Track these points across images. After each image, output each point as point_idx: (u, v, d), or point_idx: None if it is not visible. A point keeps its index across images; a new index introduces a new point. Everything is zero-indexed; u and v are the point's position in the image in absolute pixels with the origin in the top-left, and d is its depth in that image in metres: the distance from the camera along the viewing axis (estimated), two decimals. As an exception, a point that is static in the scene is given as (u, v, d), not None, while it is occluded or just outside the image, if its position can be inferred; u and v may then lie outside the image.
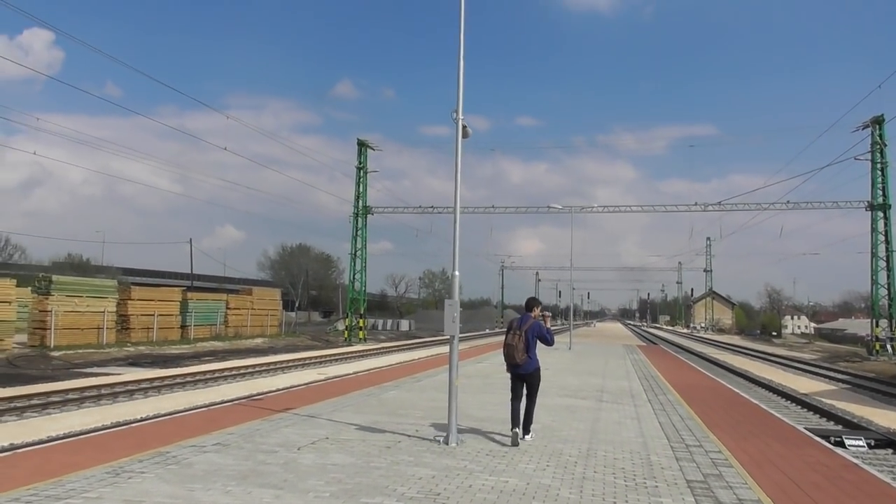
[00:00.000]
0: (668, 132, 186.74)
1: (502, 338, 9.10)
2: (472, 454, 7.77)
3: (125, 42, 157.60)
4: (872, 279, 38.48)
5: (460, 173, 8.68)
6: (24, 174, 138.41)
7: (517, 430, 8.50)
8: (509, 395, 8.73)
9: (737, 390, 17.19)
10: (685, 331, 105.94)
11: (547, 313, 9.03)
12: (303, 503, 5.60)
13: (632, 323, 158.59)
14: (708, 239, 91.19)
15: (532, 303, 8.80)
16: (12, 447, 9.76)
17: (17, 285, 29.75)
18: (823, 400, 19.13)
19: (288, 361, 27.29)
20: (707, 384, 18.19)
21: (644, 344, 47.51)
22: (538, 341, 8.60)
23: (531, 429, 8.83)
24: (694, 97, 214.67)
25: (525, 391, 8.71)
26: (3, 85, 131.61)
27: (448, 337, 8.60)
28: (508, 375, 8.76)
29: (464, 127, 8.73)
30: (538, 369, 8.76)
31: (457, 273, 8.45)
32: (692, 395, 14.52)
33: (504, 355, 8.71)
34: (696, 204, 41.75)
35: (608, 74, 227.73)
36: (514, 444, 8.37)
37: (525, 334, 8.49)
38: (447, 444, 8.18)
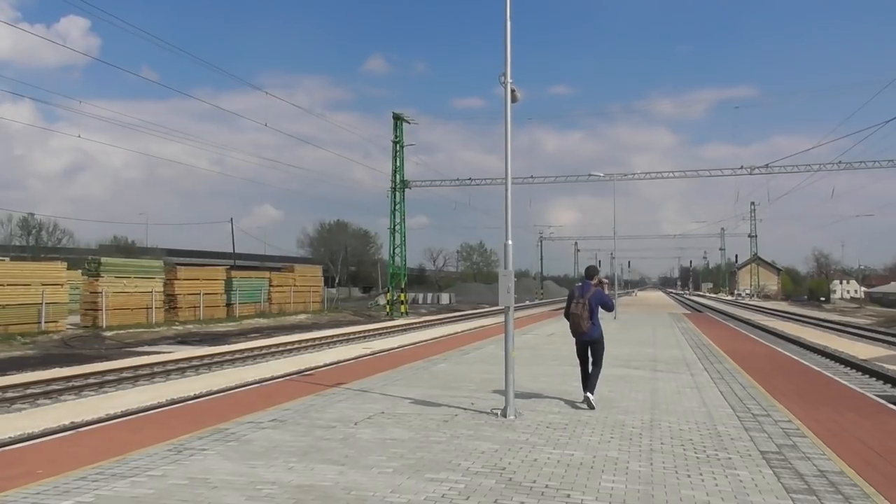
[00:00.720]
0: (706, 95, 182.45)
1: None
2: (531, 427, 7.59)
3: (157, 25, 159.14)
4: (930, 240, 36.98)
5: (510, 140, 8.38)
6: (68, 160, 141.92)
7: (588, 394, 8.72)
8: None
9: (795, 357, 16.68)
10: (730, 298, 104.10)
11: (606, 280, 9.03)
12: (367, 479, 5.49)
13: (673, 291, 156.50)
14: (752, 203, 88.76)
15: (592, 271, 8.93)
16: (74, 426, 9.94)
17: (68, 268, 30.45)
18: (885, 366, 18.46)
19: (333, 337, 27.49)
20: (762, 351, 17.69)
21: (689, 312, 46.71)
22: (600, 308, 8.76)
23: (594, 391, 8.84)
24: (733, 58, 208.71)
25: (591, 357, 8.85)
26: (43, 73, 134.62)
27: (502, 308, 8.41)
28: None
29: (513, 91, 8.40)
30: (602, 335, 8.90)
31: (509, 242, 8.18)
32: (749, 363, 14.10)
33: (571, 324, 8.81)
34: (741, 167, 40.60)
35: (643, 39, 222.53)
36: (591, 407, 8.61)
37: (588, 302, 8.60)
38: (505, 416, 8.01)
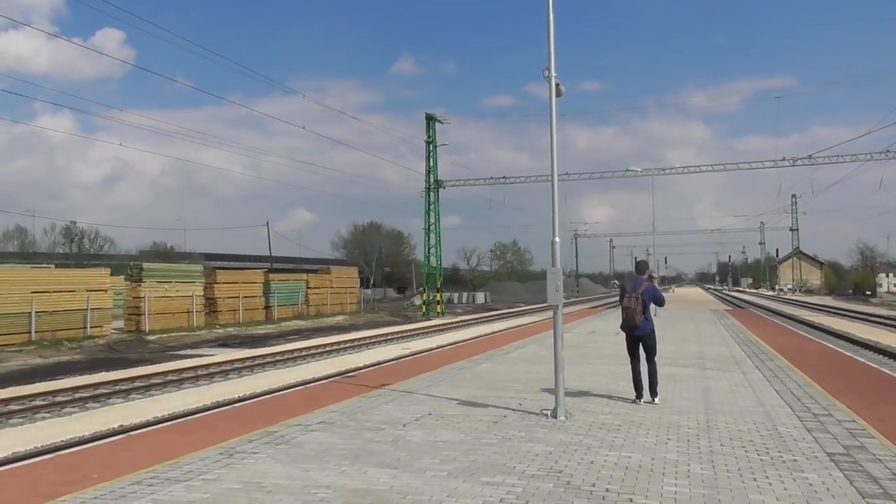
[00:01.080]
0: (742, 87, 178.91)
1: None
2: (584, 428, 7.41)
3: (187, 34, 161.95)
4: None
5: (556, 135, 8.21)
6: (107, 169, 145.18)
7: (644, 394, 8.83)
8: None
9: (847, 353, 16.17)
10: (771, 293, 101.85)
11: (655, 275, 8.96)
12: (422, 483, 5.38)
13: (711, 287, 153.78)
14: (793, 196, 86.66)
15: (642, 266, 8.97)
16: (124, 429, 10.04)
17: (110, 274, 31.02)
18: (943, 361, 17.77)
19: (371, 337, 27.53)
20: (813, 348, 17.19)
21: (730, 308, 45.79)
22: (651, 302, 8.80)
23: (657, 391, 8.85)
24: (770, 48, 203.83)
25: (644, 353, 8.89)
26: (81, 85, 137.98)
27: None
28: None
29: (557, 85, 8.23)
30: (653, 330, 8.95)
31: (557, 239, 8.02)
32: (801, 360, 13.68)
33: (623, 318, 8.86)
34: (783, 159, 39.55)
35: (676, 30, 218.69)
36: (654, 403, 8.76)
37: (641, 296, 8.60)
38: (555, 417, 7.85)
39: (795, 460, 6.05)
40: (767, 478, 5.51)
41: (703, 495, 5.06)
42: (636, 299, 8.58)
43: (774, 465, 5.88)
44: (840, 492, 5.14)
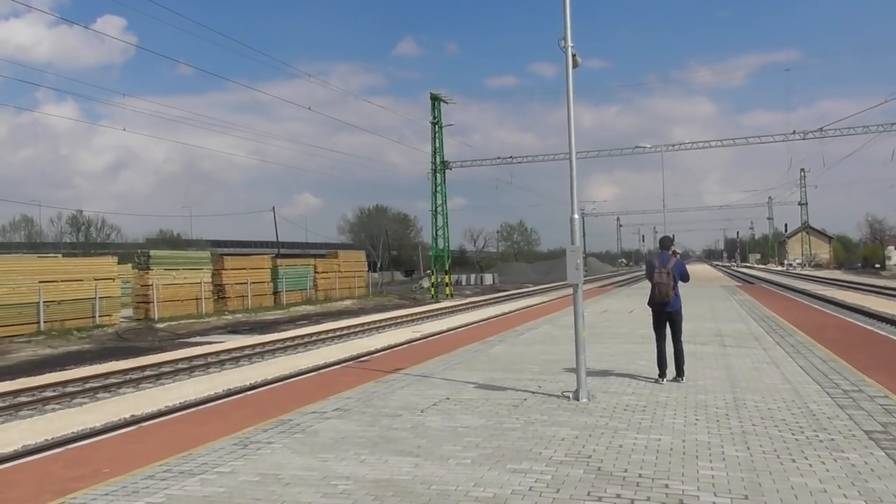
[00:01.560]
0: (747, 61, 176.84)
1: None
2: (608, 410, 7.18)
3: (191, 14, 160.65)
4: None
5: (573, 106, 7.90)
6: (111, 158, 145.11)
7: (667, 373, 8.59)
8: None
9: (868, 327, 15.88)
10: (780, 268, 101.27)
11: (677, 251, 8.72)
12: (445, 471, 5.16)
13: (719, 263, 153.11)
14: (802, 170, 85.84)
15: (667, 242, 8.82)
16: (135, 419, 9.88)
17: (118, 263, 30.87)
18: (963, 333, 17.44)
19: (381, 321, 27.37)
20: (830, 322, 16.90)
21: (741, 284, 45.43)
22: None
23: (684, 370, 8.65)
24: (774, 21, 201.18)
25: (671, 331, 8.63)
26: (82, 73, 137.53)
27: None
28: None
29: (573, 56, 7.90)
30: (682, 306, 8.72)
31: (576, 216, 7.74)
32: (821, 335, 13.40)
33: (654, 294, 8.58)
34: (794, 132, 38.96)
35: (678, 5, 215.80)
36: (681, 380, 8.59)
37: (672, 272, 8.38)
38: (577, 399, 7.62)
39: (833, 439, 5.81)
40: (806, 458, 5.27)
41: (741, 479, 4.82)
42: (667, 274, 8.37)
43: (812, 445, 5.64)
44: (885, 472, 4.90)
